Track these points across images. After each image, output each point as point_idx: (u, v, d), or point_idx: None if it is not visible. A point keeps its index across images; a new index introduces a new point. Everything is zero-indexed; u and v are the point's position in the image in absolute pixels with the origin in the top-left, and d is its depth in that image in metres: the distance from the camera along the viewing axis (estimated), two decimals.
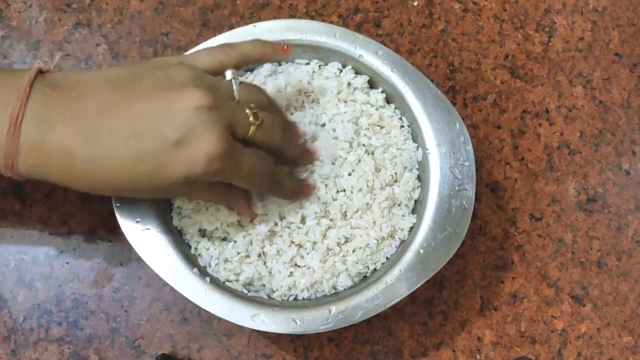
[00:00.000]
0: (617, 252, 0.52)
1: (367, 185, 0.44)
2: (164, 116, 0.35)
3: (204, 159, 0.35)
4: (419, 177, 0.46)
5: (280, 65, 0.47)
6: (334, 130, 0.45)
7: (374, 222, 0.44)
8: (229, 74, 0.39)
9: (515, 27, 0.57)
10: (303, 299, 0.43)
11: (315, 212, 0.43)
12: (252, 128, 0.38)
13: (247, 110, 0.38)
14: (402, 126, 0.47)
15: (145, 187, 0.37)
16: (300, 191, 0.43)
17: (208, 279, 0.41)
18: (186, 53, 0.45)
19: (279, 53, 0.42)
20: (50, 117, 0.35)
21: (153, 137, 0.35)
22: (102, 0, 0.54)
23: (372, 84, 0.47)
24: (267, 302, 0.42)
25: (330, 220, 0.43)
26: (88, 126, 0.35)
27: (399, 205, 0.45)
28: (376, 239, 0.43)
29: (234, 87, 0.39)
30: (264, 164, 0.40)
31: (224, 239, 0.43)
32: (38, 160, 0.35)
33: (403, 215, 0.45)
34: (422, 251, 0.42)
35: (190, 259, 0.42)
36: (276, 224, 0.43)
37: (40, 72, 0.37)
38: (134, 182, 0.36)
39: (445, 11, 0.57)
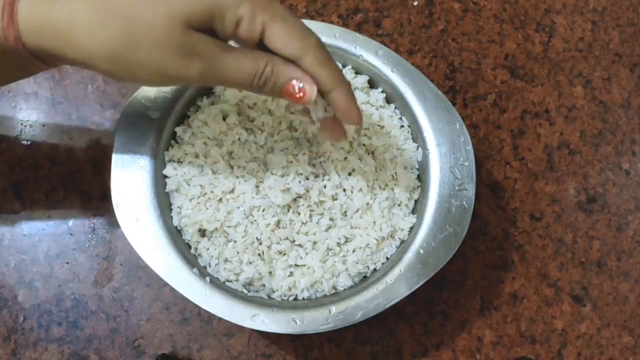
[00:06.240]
0: (617, 252, 0.52)
1: (367, 185, 0.44)
2: None
3: None
4: (419, 177, 0.46)
5: None
6: None
7: (374, 222, 0.44)
8: None
9: (515, 27, 0.57)
10: (303, 299, 0.43)
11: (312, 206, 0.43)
12: None
13: None
14: (402, 126, 0.47)
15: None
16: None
17: (208, 279, 0.41)
18: None
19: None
20: None
21: None
22: None
23: (372, 84, 0.47)
24: (267, 302, 0.42)
25: (330, 220, 0.43)
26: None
27: (399, 205, 0.45)
28: (376, 239, 0.43)
29: None
30: None
31: (224, 239, 0.43)
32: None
33: (403, 216, 0.45)
34: (422, 251, 0.42)
35: (190, 259, 0.42)
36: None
37: None
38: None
39: (445, 11, 0.57)
